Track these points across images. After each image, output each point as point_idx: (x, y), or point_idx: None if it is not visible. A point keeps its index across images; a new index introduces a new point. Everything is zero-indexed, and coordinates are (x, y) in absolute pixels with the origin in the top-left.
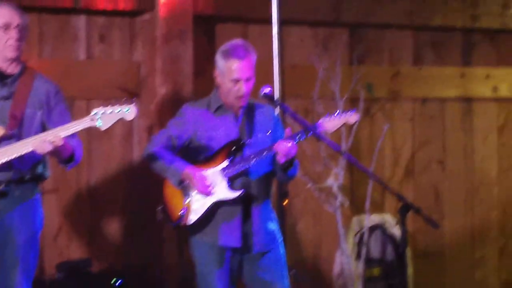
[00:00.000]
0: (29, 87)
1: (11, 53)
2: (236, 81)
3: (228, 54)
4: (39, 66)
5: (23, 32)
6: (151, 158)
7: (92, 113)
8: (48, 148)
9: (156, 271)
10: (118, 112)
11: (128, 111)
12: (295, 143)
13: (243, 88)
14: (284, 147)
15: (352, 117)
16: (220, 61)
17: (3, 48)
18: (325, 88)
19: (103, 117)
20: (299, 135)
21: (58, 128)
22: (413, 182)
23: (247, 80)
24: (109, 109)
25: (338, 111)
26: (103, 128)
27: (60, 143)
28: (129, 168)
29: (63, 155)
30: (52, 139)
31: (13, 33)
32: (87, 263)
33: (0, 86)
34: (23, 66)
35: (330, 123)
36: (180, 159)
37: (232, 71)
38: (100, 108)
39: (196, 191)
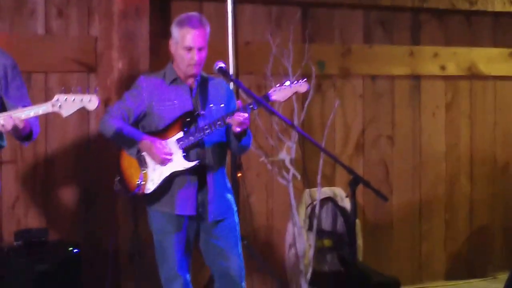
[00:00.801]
0: None
1: None
2: (189, 49)
3: (183, 23)
4: None
5: None
6: (107, 128)
7: (54, 99)
8: (10, 125)
9: (111, 241)
10: (80, 100)
11: (90, 101)
12: (247, 113)
13: (195, 56)
14: (237, 117)
15: (303, 86)
16: (175, 30)
17: None
18: (278, 65)
19: (64, 104)
20: (251, 105)
21: (20, 110)
22: (363, 157)
23: (200, 49)
24: (71, 97)
25: (288, 81)
26: (64, 115)
27: (21, 124)
28: (85, 139)
29: (22, 133)
30: (14, 117)
31: None
32: (44, 232)
33: None
34: None
35: (281, 93)
36: (137, 130)
37: (185, 39)
38: (62, 95)
39: (153, 160)
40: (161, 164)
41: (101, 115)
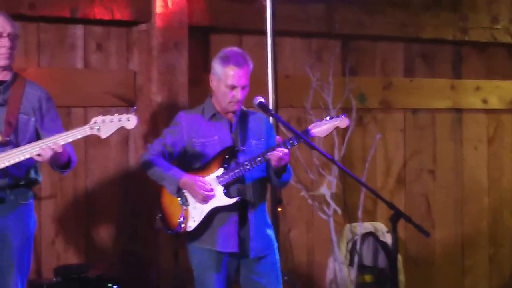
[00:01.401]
0: (21, 94)
1: (2, 61)
2: (233, 87)
3: (226, 60)
4: (37, 75)
5: (14, 41)
6: (148, 166)
7: (92, 122)
8: (49, 154)
9: (152, 276)
10: (118, 121)
11: (129, 120)
12: (287, 149)
13: (239, 94)
14: (277, 153)
15: (343, 122)
16: (217, 66)
17: None
18: (318, 98)
19: (103, 125)
20: (291, 140)
21: (57, 136)
22: (404, 191)
23: (243, 87)
24: (108, 118)
25: (328, 116)
26: (103, 136)
27: (59, 150)
28: (125, 174)
29: (61, 161)
30: (52, 146)
31: (5, 42)
32: (84, 267)
33: None
34: (14, 73)
35: (321, 128)
36: (177, 168)
37: (229, 77)
38: (100, 117)
39: (195, 198)
40: (203, 202)
41: (140, 150)
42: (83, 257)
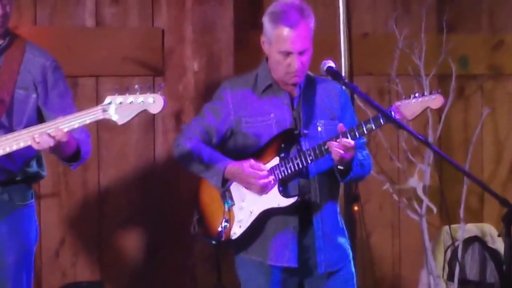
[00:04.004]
0: (18, 62)
1: None
2: (287, 53)
3: (277, 18)
4: (33, 35)
5: (7, 7)
6: (184, 153)
7: (106, 101)
8: (48, 143)
9: None
10: (140, 102)
11: (154, 102)
12: (351, 142)
13: (295, 63)
14: (335, 148)
15: (436, 100)
16: (267, 25)
17: None
18: (406, 63)
19: (119, 108)
20: (361, 128)
21: (61, 120)
22: None
23: (301, 53)
24: (128, 98)
25: (417, 92)
26: (120, 122)
27: (64, 138)
28: (150, 166)
29: (67, 153)
30: (53, 133)
31: None
32: (98, 286)
33: None
34: (11, 35)
35: (408, 109)
36: (221, 154)
37: (281, 41)
38: (116, 96)
39: (250, 190)
40: (261, 192)
41: (170, 133)
42: (96, 272)
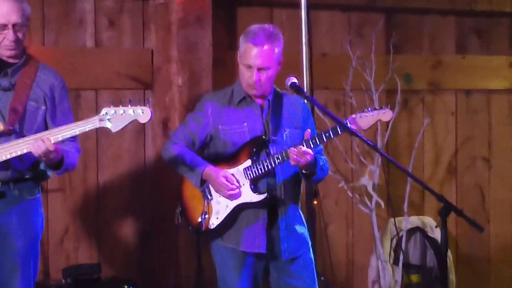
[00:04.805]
0: (31, 79)
1: (7, 53)
2: (248, 66)
3: (247, 36)
4: (41, 54)
5: (20, 31)
6: (170, 156)
7: (102, 112)
8: (40, 148)
9: (171, 278)
10: (130, 113)
11: (142, 113)
12: (311, 148)
13: (253, 76)
14: (293, 154)
15: (386, 114)
16: (240, 41)
17: None
18: (359, 79)
19: (113, 117)
20: (321, 136)
21: (63, 127)
22: (456, 182)
23: (260, 69)
24: (120, 110)
25: (369, 108)
26: (114, 130)
27: (51, 147)
28: (141, 166)
29: (52, 161)
30: (45, 140)
31: (9, 34)
32: (96, 268)
33: (0, 75)
34: (26, 55)
35: (362, 121)
36: (201, 158)
37: (246, 56)
38: (111, 108)
39: (218, 193)
40: (229, 198)
41: (158, 138)
42: (95, 256)
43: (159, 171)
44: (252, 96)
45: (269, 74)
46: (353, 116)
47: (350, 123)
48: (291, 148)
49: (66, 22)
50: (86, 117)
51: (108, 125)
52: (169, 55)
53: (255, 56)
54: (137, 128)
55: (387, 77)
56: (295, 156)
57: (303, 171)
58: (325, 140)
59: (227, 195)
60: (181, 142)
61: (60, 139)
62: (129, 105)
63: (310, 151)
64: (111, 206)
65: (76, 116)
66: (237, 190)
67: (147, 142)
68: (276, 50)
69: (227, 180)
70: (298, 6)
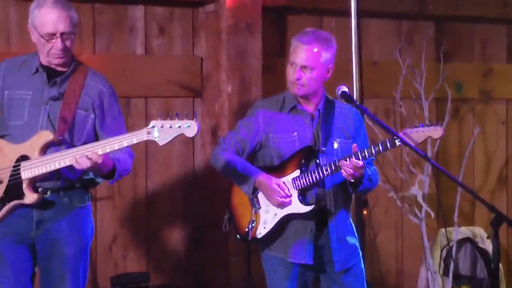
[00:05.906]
0: (81, 86)
1: (56, 61)
2: (292, 63)
3: (298, 36)
4: (92, 61)
5: (68, 40)
6: (220, 162)
7: (150, 125)
8: (86, 164)
9: (221, 286)
10: (177, 127)
11: (189, 127)
12: (360, 162)
13: (295, 73)
14: (345, 168)
15: (437, 132)
16: (292, 42)
17: (47, 56)
18: (408, 87)
19: (161, 131)
20: (371, 150)
21: (112, 139)
22: (507, 192)
23: (303, 68)
24: (167, 123)
25: (420, 124)
26: (161, 143)
27: (98, 160)
28: (190, 173)
29: (102, 171)
30: (90, 155)
31: (57, 43)
32: (145, 276)
33: (49, 85)
34: (75, 62)
35: (411, 137)
36: (252, 166)
37: (292, 53)
38: (158, 121)
39: (270, 202)
40: (278, 206)
41: (207, 146)
42: (143, 264)
43: (208, 178)
44: (301, 102)
45: (312, 75)
46: (405, 131)
47: (396, 141)
48: (342, 161)
49: (117, 29)
50: (136, 125)
51: (155, 138)
52: (219, 62)
53: (300, 54)
54: (186, 136)
55: (437, 86)
56: (351, 171)
57: (351, 181)
58: (374, 153)
59: (278, 202)
60: (230, 149)
61: (108, 150)
62: (176, 119)
63: (361, 163)
64: (160, 213)
65: (125, 123)
66: (288, 199)
67: (196, 149)
68: (324, 54)
69: (279, 188)
70: (347, 14)
